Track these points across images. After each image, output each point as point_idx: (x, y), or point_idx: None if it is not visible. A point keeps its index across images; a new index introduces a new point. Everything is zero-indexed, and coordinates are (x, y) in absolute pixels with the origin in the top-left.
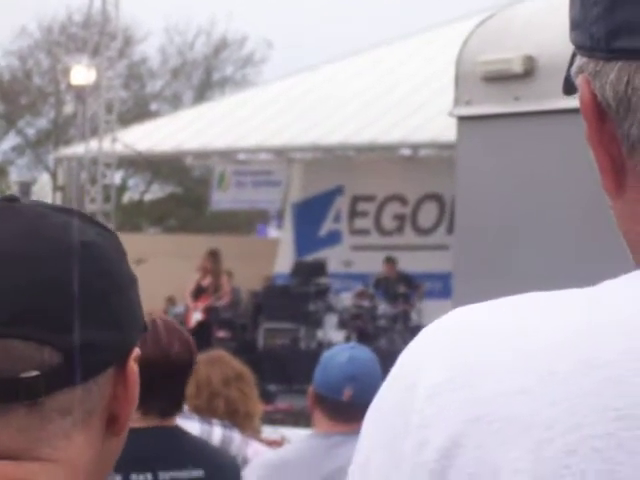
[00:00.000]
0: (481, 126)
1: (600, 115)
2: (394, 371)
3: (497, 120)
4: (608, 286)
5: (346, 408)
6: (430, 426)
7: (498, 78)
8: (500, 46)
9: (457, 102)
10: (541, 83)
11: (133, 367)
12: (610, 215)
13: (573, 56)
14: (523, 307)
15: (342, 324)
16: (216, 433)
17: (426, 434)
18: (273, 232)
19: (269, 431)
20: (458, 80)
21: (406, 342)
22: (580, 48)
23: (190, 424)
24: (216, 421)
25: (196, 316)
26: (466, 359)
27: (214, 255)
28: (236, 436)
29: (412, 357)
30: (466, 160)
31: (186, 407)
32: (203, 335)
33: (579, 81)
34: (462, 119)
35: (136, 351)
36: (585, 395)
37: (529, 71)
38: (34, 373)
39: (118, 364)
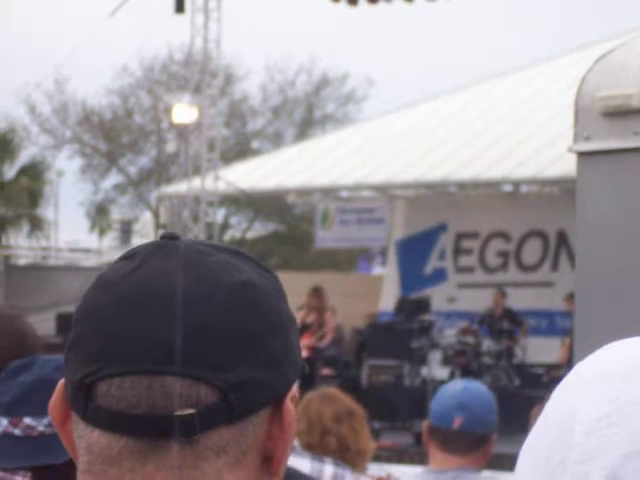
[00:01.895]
0: (601, 161)
1: None
2: (549, 406)
3: (617, 155)
4: None
5: (457, 437)
6: (589, 461)
7: (617, 113)
8: (619, 81)
9: (577, 138)
10: None
11: (290, 407)
12: None
13: None
14: None
15: (446, 361)
16: (327, 471)
17: (585, 469)
18: (376, 269)
19: (375, 468)
20: (577, 115)
21: (510, 379)
22: None
23: (301, 461)
24: (329, 459)
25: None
26: (623, 395)
27: (317, 291)
28: (348, 475)
29: (568, 393)
30: (586, 196)
31: (297, 444)
32: (308, 373)
33: None
34: (582, 155)
35: (293, 391)
36: None
37: None
38: (190, 411)
39: (274, 404)
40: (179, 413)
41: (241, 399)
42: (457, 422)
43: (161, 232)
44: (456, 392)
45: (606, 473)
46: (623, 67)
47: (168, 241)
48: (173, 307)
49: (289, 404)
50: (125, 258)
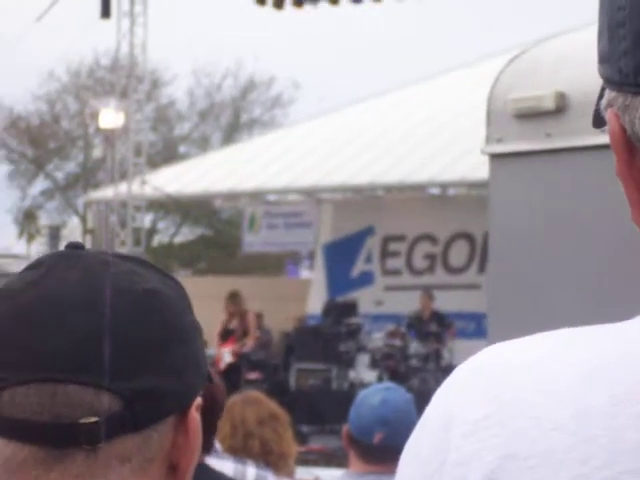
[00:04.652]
0: (513, 163)
1: (630, 149)
2: (429, 410)
3: (529, 157)
4: None
5: (377, 451)
6: (467, 463)
7: (530, 115)
8: (531, 83)
9: (489, 140)
10: (573, 119)
11: (195, 416)
12: None
13: (602, 90)
14: (556, 343)
15: (374, 364)
16: (250, 473)
17: (463, 471)
18: (304, 273)
19: (302, 472)
20: (490, 118)
21: (438, 381)
22: (609, 82)
23: (224, 464)
24: (250, 461)
25: (226, 358)
26: (501, 396)
27: (233, 297)
28: (270, 477)
29: (447, 396)
30: (498, 197)
31: (219, 447)
32: (233, 377)
33: (608, 115)
34: (494, 157)
35: (198, 400)
36: (619, 430)
37: (561, 108)
38: (93, 419)
39: (179, 413)
40: (83, 421)
41: (145, 407)
42: (377, 437)
43: (68, 242)
44: (375, 406)
45: (484, 475)
46: (535, 69)
47: (72, 250)
48: (75, 316)
49: (194, 413)
50: (30, 268)
